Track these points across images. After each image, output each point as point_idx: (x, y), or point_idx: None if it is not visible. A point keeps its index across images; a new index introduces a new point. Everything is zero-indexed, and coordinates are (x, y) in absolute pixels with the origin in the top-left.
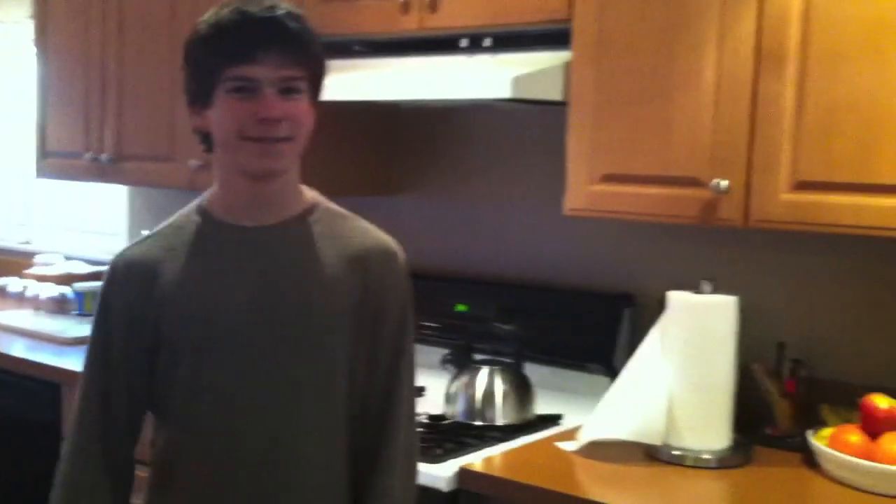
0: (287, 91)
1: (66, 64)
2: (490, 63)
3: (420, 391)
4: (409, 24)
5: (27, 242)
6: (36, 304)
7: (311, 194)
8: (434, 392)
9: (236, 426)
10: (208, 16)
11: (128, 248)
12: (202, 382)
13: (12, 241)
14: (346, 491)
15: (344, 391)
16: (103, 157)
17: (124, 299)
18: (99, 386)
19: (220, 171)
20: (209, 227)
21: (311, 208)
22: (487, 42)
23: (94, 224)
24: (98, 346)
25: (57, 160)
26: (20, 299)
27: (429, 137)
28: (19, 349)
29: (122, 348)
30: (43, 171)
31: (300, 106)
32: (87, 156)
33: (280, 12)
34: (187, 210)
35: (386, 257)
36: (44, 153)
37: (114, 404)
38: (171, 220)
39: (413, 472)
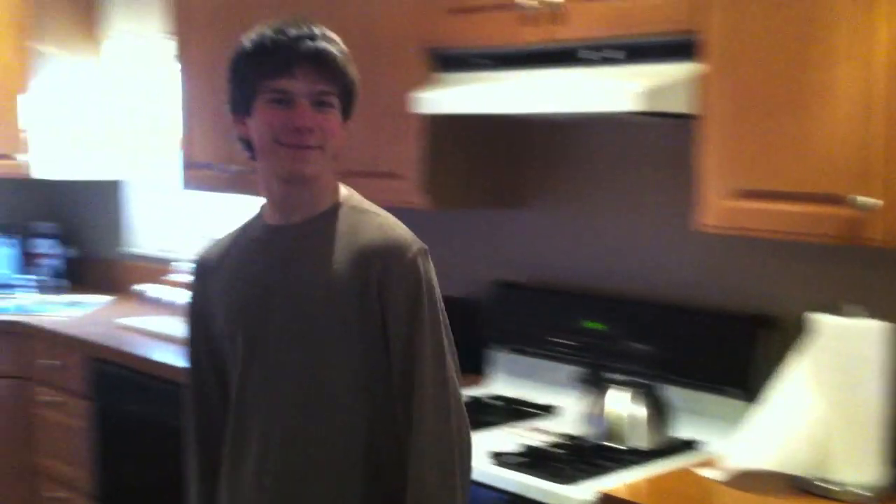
0: (320, 104)
1: (206, 76)
2: (617, 75)
3: (548, 409)
4: (534, 36)
5: (168, 250)
6: (174, 309)
7: (344, 193)
8: (568, 411)
9: (246, 412)
10: (252, 34)
11: (203, 248)
12: (239, 368)
13: (154, 249)
14: (364, 478)
15: (351, 385)
16: (235, 168)
17: (194, 294)
18: (191, 368)
19: (260, 175)
20: (254, 225)
21: (337, 206)
22: (613, 54)
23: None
24: (186, 337)
25: (199, 171)
26: (158, 305)
27: (554, 149)
28: (160, 353)
29: (197, 337)
30: (188, 183)
31: (330, 118)
32: (226, 167)
33: (316, 33)
34: (257, 209)
35: (391, 251)
36: (188, 164)
37: (203, 385)
38: (246, 218)
39: (452, 465)
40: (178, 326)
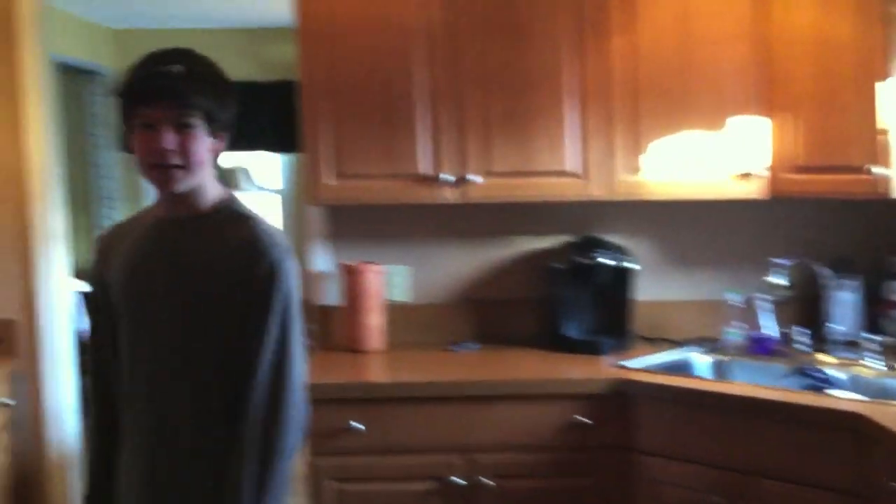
0: (181, 126)
1: None
2: None
3: None
4: None
5: None
6: None
7: (226, 197)
8: None
9: (135, 374)
10: (129, 66)
11: (105, 230)
12: (124, 346)
13: None
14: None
15: (212, 361)
16: None
17: (97, 265)
18: (92, 331)
19: None
20: (148, 214)
21: (218, 207)
22: None
23: None
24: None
25: None
26: None
27: None
28: None
29: (97, 305)
30: None
31: (191, 138)
32: None
33: (173, 68)
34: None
35: (256, 249)
36: None
37: (102, 357)
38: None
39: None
40: None
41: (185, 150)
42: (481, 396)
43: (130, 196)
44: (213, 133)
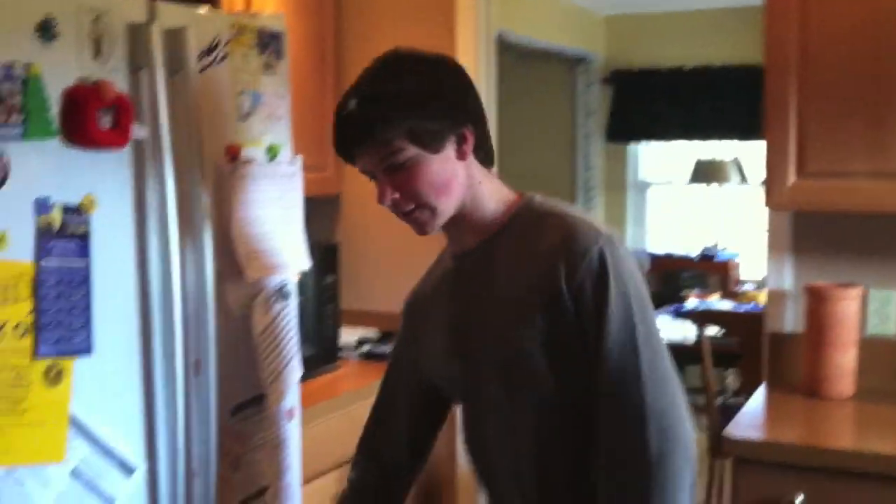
0: (392, 168)
1: None
2: None
3: None
4: None
5: None
6: None
7: (521, 204)
8: None
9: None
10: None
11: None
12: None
13: None
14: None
15: (546, 392)
16: None
17: (405, 334)
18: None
19: None
20: (445, 255)
21: (509, 222)
22: None
23: None
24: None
25: None
26: None
27: None
28: None
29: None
30: None
31: (410, 176)
32: None
33: (351, 108)
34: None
35: (573, 254)
36: None
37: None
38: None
39: (645, 490)
40: None
41: (410, 192)
42: None
43: (612, 186)
44: (435, 147)
